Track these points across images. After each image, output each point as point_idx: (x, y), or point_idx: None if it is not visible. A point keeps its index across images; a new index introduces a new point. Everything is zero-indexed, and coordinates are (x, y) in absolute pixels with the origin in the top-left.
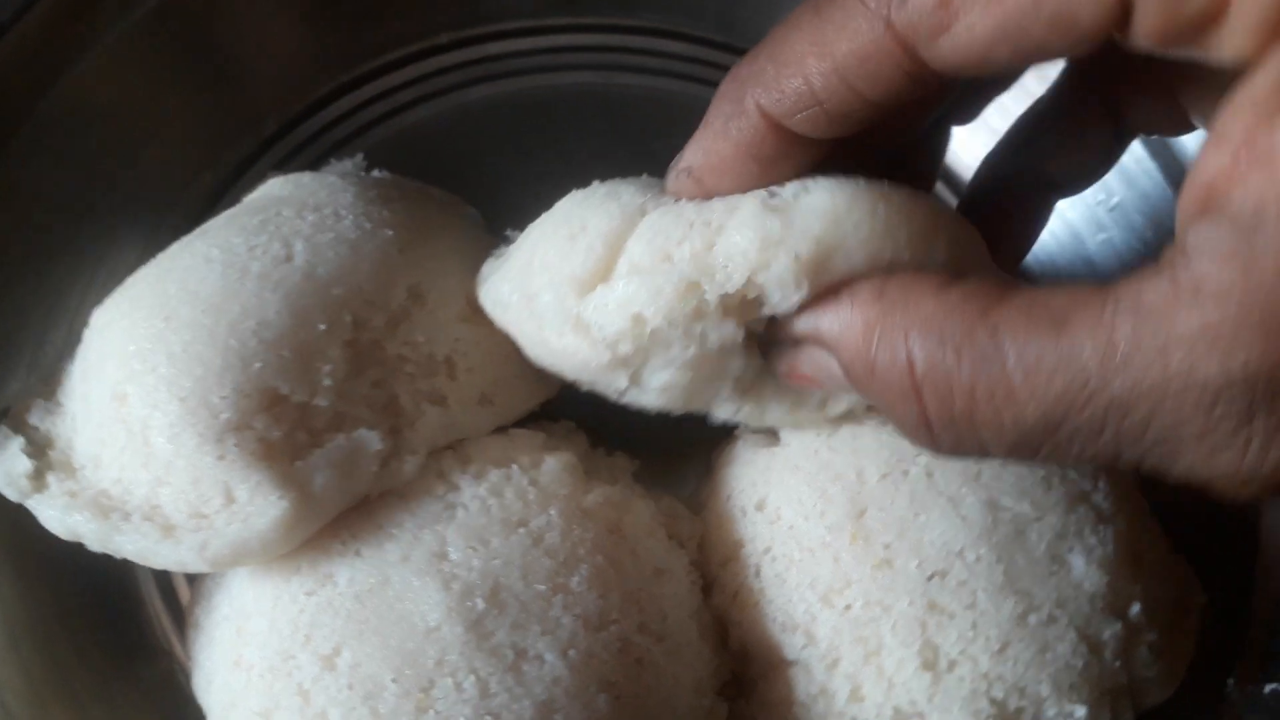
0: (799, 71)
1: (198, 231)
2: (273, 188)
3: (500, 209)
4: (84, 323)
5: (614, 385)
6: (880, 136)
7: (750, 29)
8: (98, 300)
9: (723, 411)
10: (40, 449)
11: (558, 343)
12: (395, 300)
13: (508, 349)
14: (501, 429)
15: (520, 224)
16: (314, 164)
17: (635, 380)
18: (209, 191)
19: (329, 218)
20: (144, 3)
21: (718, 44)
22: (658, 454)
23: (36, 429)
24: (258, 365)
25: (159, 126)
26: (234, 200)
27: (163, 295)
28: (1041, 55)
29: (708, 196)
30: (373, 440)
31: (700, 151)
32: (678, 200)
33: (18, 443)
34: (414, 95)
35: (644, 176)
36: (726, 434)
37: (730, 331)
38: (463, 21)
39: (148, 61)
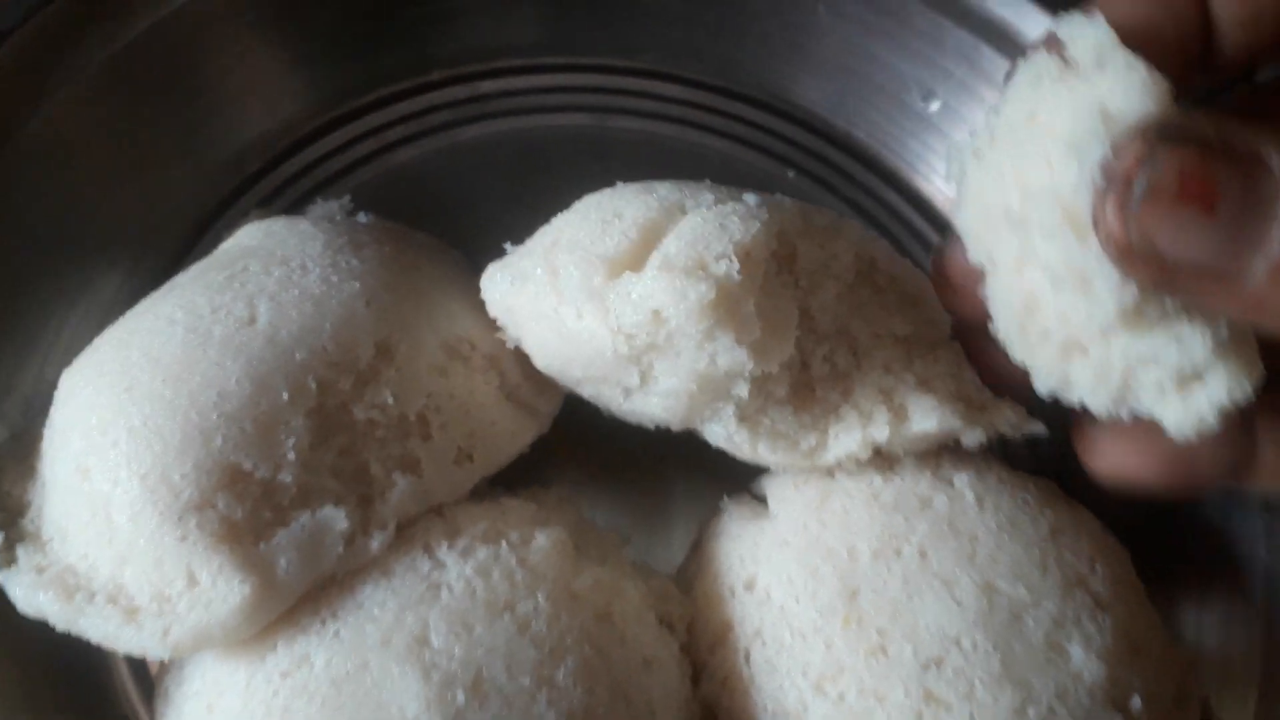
0: None
1: (165, 287)
2: (245, 236)
3: (489, 251)
4: (55, 368)
5: (623, 382)
6: None
7: (750, 74)
8: (70, 344)
9: (715, 434)
10: (12, 516)
11: (575, 323)
12: (362, 359)
13: (484, 395)
14: (491, 498)
15: None
16: (299, 202)
17: (645, 378)
18: (189, 230)
19: (295, 271)
20: (126, 33)
21: (716, 88)
22: (645, 519)
23: (9, 494)
24: (219, 440)
25: (139, 161)
26: (215, 240)
27: (125, 362)
28: None
29: None
30: (338, 519)
31: None
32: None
33: None
34: (404, 133)
35: (673, 181)
36: (713, 505)
37: (741, 360)
38: (456, 59)
39: (129, 94)
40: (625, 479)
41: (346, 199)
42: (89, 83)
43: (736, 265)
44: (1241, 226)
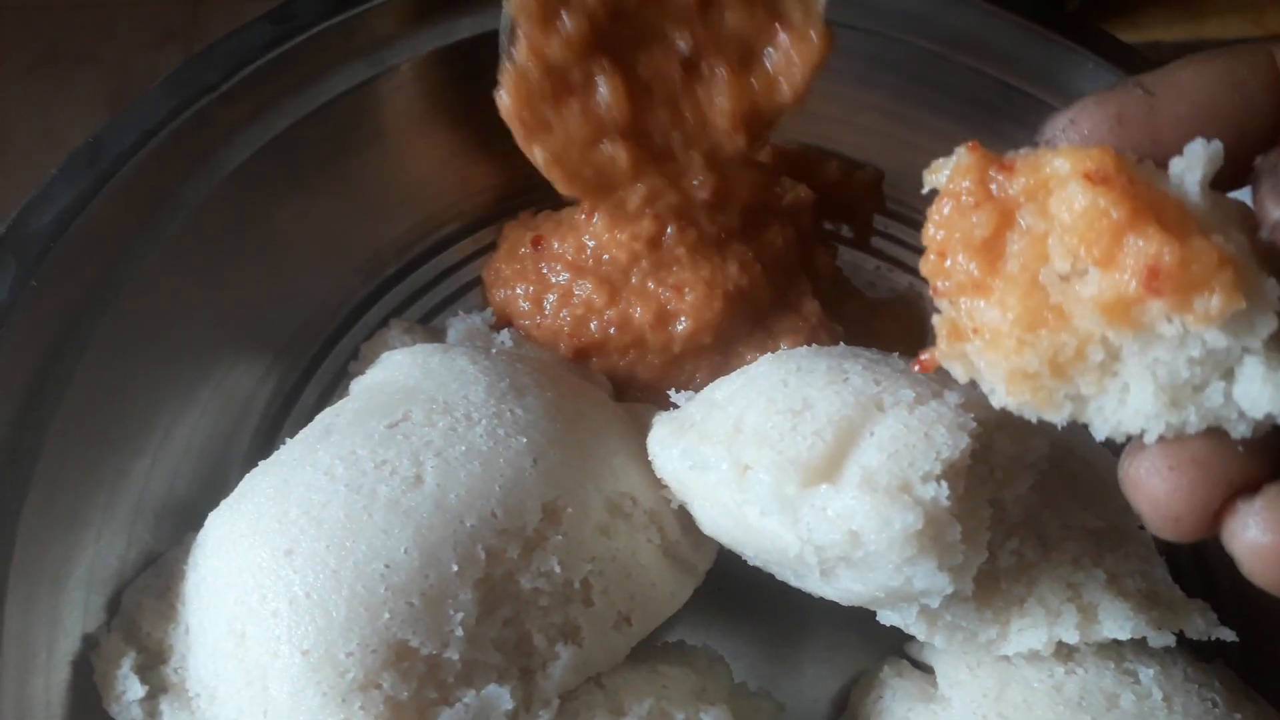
0: None
1: (320, 429)
2: (400, 370)
3: None
4: (164, 466)
5: (799, 573)
6: None
7: None
8: (182, 443)
9: (891, 619)
10: (153, 661)
11: (758, 521)
12: (530, 523)
13: (645, 555)
14: (644, 660)
15: None
16: (436, 310)
17: (826, 575)
18: (324, 335)
19: (460, 423)
20: (270, 128)
21: None
22: (773, 650)
23: (149, 635)
24: (385, 615)
25: (272, 260)
26: (350, 346)
27: (283, 518)
28: None
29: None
30: (503, 698)
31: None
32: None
33: (130, 660)
34: None
35: (871, 351)
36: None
37: (941, 584)
38: None
39: (267, 191)
40: (758, 608)
41: (489, 313)
42: (229, 179)
43: (946, 490)
44: None
